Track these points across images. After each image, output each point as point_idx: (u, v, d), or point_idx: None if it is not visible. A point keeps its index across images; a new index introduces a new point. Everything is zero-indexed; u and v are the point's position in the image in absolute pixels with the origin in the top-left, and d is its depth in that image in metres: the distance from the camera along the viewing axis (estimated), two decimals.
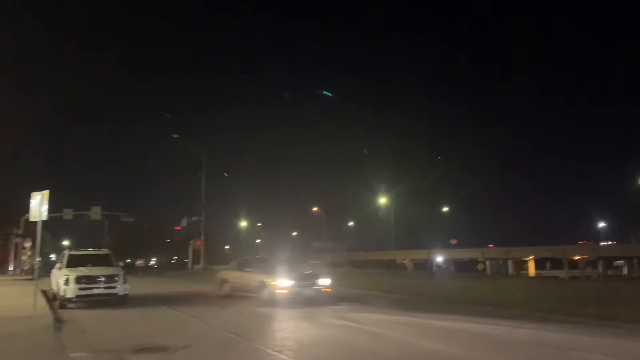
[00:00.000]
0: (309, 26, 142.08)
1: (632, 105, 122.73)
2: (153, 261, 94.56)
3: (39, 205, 13.33)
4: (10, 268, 48.36)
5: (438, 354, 8.55)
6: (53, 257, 55.77)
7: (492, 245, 77.62)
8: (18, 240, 48.97)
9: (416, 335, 10.32)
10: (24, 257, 49.14)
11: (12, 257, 50.00)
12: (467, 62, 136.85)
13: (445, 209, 74.65)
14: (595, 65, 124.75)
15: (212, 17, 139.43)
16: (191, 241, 61.05)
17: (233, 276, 17.87)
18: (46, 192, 13.27)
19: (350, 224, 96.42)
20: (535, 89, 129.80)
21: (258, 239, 79.31)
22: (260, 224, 78.76)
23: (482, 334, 10.51)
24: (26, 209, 14.29)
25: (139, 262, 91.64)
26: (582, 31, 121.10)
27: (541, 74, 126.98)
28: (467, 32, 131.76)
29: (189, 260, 62.43)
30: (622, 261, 75.17)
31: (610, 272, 72.40)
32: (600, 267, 70.69)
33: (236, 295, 17.16)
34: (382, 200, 74.75)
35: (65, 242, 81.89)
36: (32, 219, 13.87)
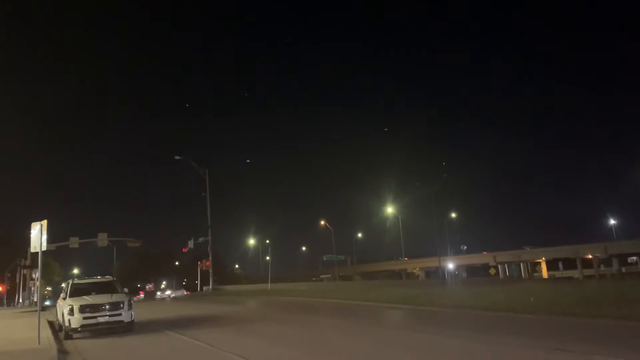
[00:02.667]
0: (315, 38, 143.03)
1: None
2: (163, 284, 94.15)
3: (38, 235, 13.12)
4: (21, 300, 48.17)
5: None
6: (64, 286, 55.53)
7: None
8: (26, 271, 48.82)
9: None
10: (32, 288, 48.97)
11: (21, 288, 49.83)
12: (467, 61, 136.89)
13: (454, 215, 74.04)
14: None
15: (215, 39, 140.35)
16: (199, 262, 60.73)
17: None
18: (44, 222, 13.08)
19: (359, 235, 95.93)
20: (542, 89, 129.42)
21: (267, 256, 78.88)
22: (268, 241, 78.33)
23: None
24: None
25: (149, 287, 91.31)
26: None
27: (545, 72, 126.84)
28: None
29: (198, 282, 62.07)
30: (635, 257, 74.21)
31: (624, 269, 71.50)
32: (614, 265, 69.79)
33: None
34: (390, 210, 74.21)
35: (75, 271, 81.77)
36: (32, 249, 13.67)
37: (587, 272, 68.70)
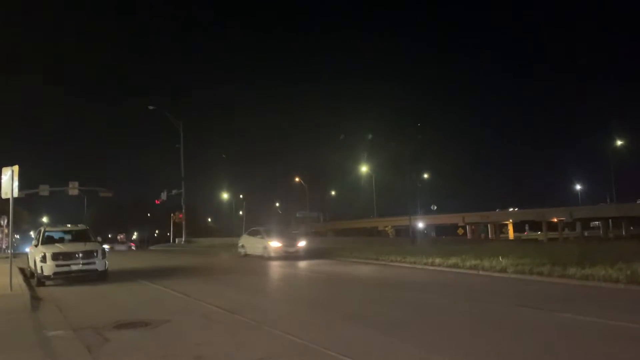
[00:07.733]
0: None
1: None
2: (135, 236, 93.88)
3: (9, 181, 12.80)
4: None
5: None
6: (32, 234, 55.04)
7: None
8: None
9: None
10: (1, 235, 48.30)
11: None
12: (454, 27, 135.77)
13: (426, 176, 74.98)
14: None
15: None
16: (172, 214, 60.61)
17: None
18: (16, 167, 12.73)
19: (333, 193, 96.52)
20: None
21: (240, 210, 79.12)
22: (242, 196, 78.28)
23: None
24: None
25: (120, 237, 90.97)
26: None
27: (521, 40, 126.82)
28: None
29: (171, 234, 62.14)
30: (597, 222, 76.97)
31: (586, 233, 74.23)
32: (577, 229, 72.29)
33: None
34: (364, 169, 74.74)
35: (44, 219, 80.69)
36: (3, 196, 13.34)
37: (552, 234, 71.06)
